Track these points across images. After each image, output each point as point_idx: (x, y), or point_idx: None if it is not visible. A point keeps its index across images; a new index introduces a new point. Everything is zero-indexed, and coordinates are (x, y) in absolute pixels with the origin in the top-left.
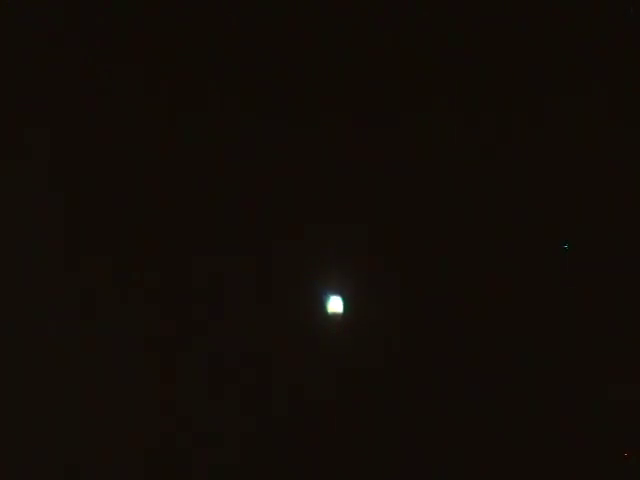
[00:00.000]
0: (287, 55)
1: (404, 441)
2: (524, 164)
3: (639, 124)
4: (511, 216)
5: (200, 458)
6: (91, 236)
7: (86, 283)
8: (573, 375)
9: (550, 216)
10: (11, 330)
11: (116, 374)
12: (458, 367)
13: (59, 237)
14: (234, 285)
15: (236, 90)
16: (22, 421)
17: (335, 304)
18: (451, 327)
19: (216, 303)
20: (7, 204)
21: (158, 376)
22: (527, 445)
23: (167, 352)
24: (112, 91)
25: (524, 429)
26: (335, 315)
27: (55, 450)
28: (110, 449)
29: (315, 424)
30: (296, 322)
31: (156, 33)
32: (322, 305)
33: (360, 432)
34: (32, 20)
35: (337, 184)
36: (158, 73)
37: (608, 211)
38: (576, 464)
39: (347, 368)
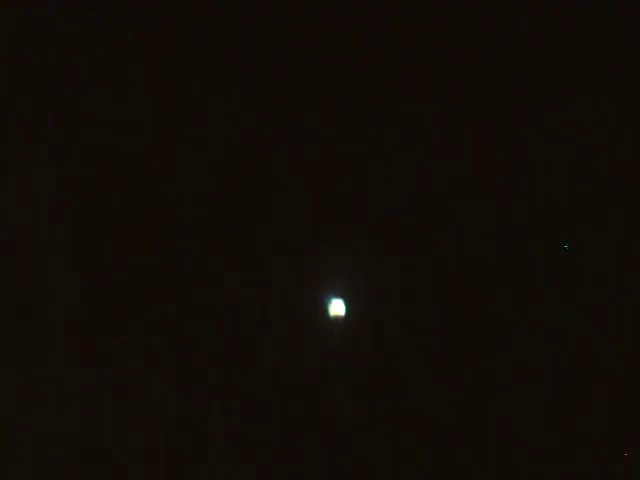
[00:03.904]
0: (285, 55)
1: (406, 442)
2: (524, 163)
3: (639, 124)
4: (511, 217)
5: (200, 459)
6: (91, 237)
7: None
8: (573, 374)
9: (550, 216)
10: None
11: (115, 376)
12: (460, 368)
13: (59, 238)
14: (235, 287)
15: (235, 96)
16: (21, 423)
17: (337, 307)
18: (453, 328)
19: (216, 305)
20: (7, 204)
21: (158, 376)
22: (527, 445)
23: (166, 352)
24: (112, 91)
25: (524, 429)
26: (337, 318)
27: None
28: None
29: (317, 427)
30: (298, 325)
31: (156, 33)
32: (324, 308)
33: (362, 434)
34: (32, 20)
35: (338, 185)
36: (158, 73)
37: (608, 211)
38: (576, 464)
39: (349, 370)
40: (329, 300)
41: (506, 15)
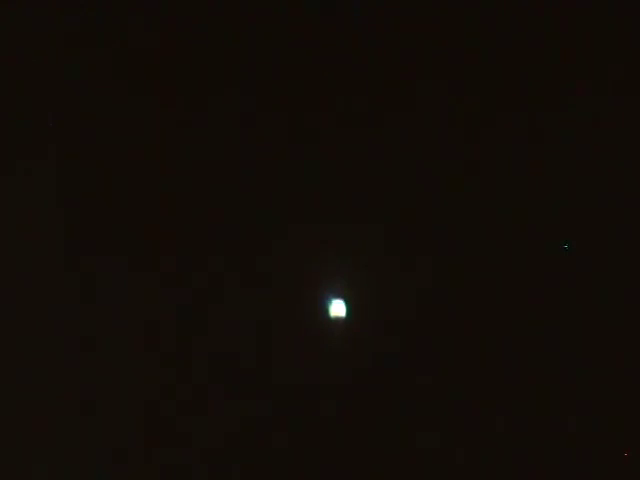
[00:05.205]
0: (285, 55)
1: (407, 443)
2: (525, 163)
3: (639, 124)
4: (512, 216)
5: (200, 459)
6: (91, 235)
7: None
8: (573, 374)
9: (550, 216)
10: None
11: (115, 375)
12: (461, 370)
13: (59, 235)
14: (234, 288)
15: (235, 96)
16: (21, 421)
17: (337, 308)
18: (454, 330)
19: (216, 306)
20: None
21: (158, 376)
22: (527, 445)
23: (166, 353)
24: (112, 91)
25: (524, 430)
26: (338, 319)
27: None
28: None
29: (317, 428)
30: (298, 326)
31: (155, 33)
32: (324, 309)
33: (362, 435)
34: (32, 20)
35: (339, 185)
36: (158, 73)
37: (608, 211)
38: (576, 464)
39: (349, 372)
40: (329, 301)
41: (506, 15)
